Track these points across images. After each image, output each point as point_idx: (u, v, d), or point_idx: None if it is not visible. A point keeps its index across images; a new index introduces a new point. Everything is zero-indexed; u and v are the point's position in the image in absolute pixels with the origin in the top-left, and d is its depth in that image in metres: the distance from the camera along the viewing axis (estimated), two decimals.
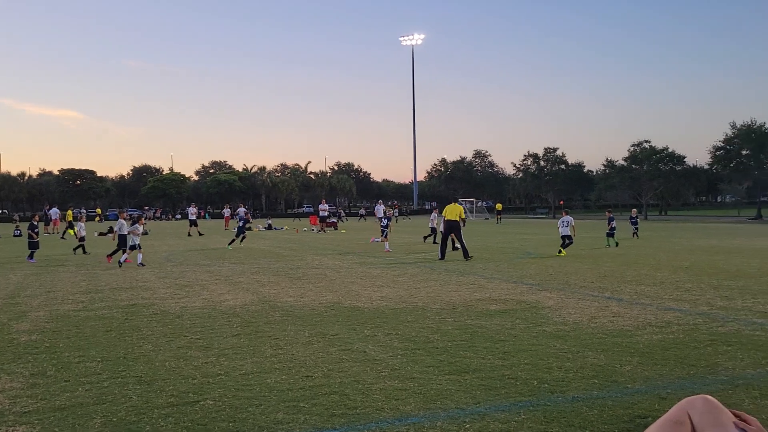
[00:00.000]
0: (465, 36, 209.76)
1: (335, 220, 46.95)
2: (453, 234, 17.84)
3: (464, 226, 17.87)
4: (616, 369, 5.67)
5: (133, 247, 16.79)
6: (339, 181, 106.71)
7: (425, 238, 25.23)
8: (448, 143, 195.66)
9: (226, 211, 45.75)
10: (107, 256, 17.98)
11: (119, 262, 16.59)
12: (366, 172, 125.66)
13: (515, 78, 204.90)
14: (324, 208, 39.50)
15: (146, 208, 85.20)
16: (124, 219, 18.91)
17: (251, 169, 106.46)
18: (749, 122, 50.87)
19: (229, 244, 23.72)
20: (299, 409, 4.63)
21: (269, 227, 42.47)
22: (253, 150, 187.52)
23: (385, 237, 22.03)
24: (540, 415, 4.44)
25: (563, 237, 19.05)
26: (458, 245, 18.19)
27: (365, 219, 61.32)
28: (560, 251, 18.53)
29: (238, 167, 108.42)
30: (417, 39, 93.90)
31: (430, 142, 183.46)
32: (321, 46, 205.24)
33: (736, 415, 2.54)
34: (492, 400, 4.79)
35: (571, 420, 4.34)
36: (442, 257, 17.48)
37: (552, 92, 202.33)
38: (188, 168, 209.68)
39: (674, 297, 9.99)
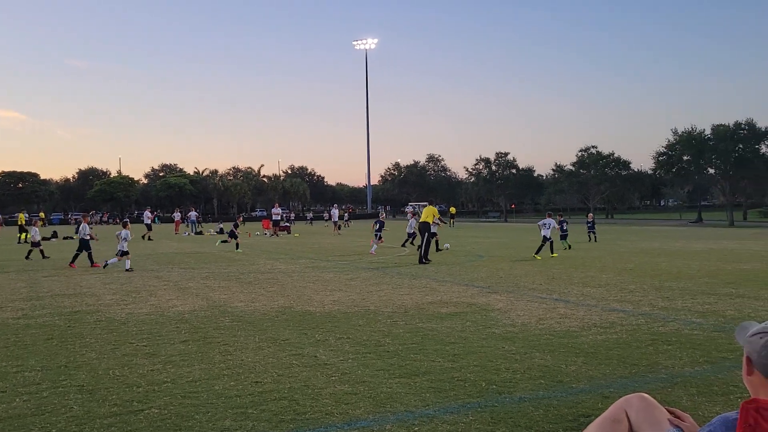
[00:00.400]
0: (418, 40, 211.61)
1: (288, 224, 46.55)
2: (420, 235, 18.05)
3: (440, 224, 18.14)
4: (562, 369, 5.80)
5: (124, 253, 16.65)
6: (292, 185, 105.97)
7: (403, 244, 24.99)
8: (402, 147, 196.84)
9: (177, 215, 44.84)
10: (70, 263, 17.61)
11: (106, 263, 16.88)
12: (320, 175, 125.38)
13: (468, 83, 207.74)
14: (277, 212, 39.16)
15: (93, 212, 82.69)
16: (88, 223, 18.77)
17: (203, 172, 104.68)
18: (690, 129, 52.84)
19: (237, 248, 23.69)
20: (247, 416, 4.57)
21: (221, 231, 41.80)
22: (205, 153, 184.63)
23: (379, 240, 22.26)
24: (487, 416, 4.51)
25: (545, 238, 19.33)
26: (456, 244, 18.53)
27: (311, 223, 60.42)
28: (537, 255, 18.78)
29: (190, 170, 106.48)
30: (370, 43, 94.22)
31: (384, 146, 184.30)
32: (274, 49, 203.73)
33: (671, 412, 2.63)
34: (441, 402, 4.83)
35: (517, 420, 4.41)
36: (423, 260, 17.34)
37: (503, 97, 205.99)
38: (137, 171, 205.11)
39: (618, 298, 10.28)
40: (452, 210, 59.89)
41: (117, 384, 5.47)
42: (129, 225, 17.88)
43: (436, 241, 21.12)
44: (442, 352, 6.50)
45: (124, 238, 16.79)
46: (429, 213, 18.36)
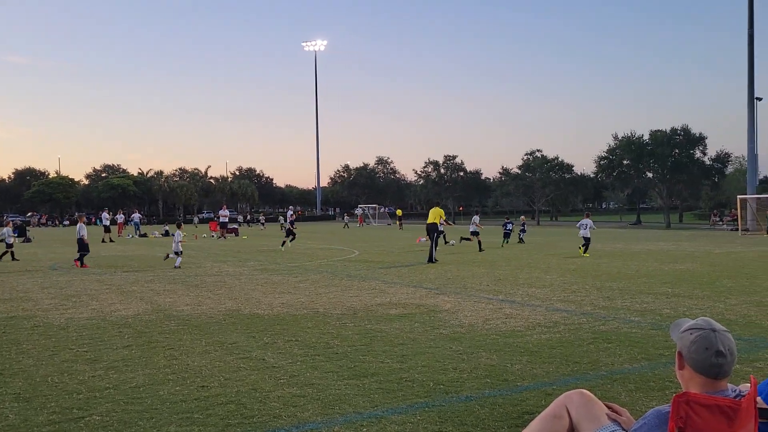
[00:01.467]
0: (368, 42, 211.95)
1: (236, 227, 45.90)
2: (429, 236, 18.75)
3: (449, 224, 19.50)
4: (507, 368, 5.92)
5: (177, 253, 17.61)
6: (240, 187, 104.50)
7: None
8: (352, 149, 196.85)
9: (120, 217, 43.56)
10: (75, 260, 18.04)
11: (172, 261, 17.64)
12: (269, 177, 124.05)
13: (417, 85, 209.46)
14: (225, 213, 38.56)
15: (31, 213, 79.52)
16: (84, 223, 19.16)
17: (147, 173, 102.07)
18: (629, 134, 54.73)
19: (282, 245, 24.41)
20: (193, 421, 4.50)
21: (166, 234, 40.87)
22: (150, 154, 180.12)
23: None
24: (435, 415, 4.57)
25: (585, 239, 20.72)
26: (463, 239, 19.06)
27: (264, 227, 58.62)
28: (583, 253, 20.17)
29: (133, 171, 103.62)
30: (320, 45, 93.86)
31: (334, 148, 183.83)
32: (222, 49, 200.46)
33: (609, 407, 2.74)
34: (389, 403, 4.87)
35: (464, 419, 4.49)
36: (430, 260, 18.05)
37: (452, 100, 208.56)
38: (78, 171, 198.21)
39: (562, 298, 10.57)
40: (399, 212, 60.31)
41: (56, 391, 5.29)
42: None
43: (444, 236, 21.91)
44: (391, 353, 6.55)
45: (178, 241, 17.83)
46: (436, 214, 18.92)
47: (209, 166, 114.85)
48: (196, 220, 70.00)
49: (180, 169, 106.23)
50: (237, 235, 40.38)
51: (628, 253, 21.55)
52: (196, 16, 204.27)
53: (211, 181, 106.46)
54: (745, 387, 2.45)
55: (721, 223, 51.91)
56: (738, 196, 40.73)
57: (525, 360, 6.23)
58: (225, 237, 37.03)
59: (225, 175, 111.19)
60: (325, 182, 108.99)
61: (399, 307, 9.72)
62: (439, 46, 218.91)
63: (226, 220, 38.71)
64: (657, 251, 22.15)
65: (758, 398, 2.75)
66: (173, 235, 18.19)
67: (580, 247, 20.97)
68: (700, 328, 2.24)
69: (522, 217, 32.87)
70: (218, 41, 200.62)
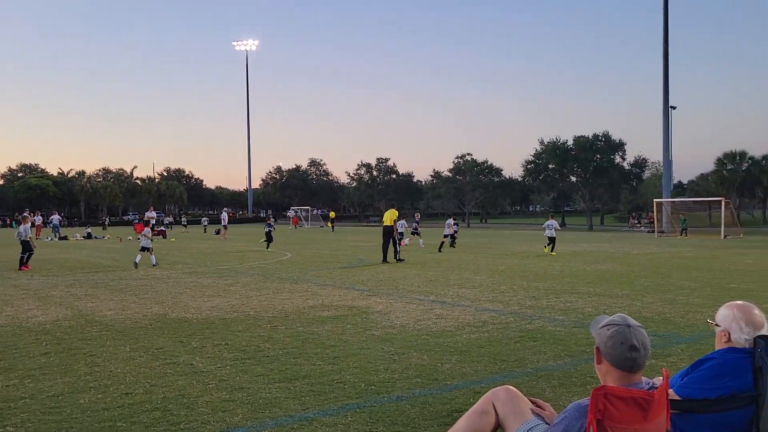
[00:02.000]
0: (300, 43, 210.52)
1: (164, 228, 44.55)
2: (384, 238, 19.27)
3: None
4: (438, 367, 6.02)
5: (145, 249, 18.12)
6: (168, 188, 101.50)
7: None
8: (285, 151, 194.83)
9: (38, 219, 41.43)
10: (21, 266, 17.50)
11: (134, 263, 17.83)
12: (198, 178, 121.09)
13: (349, 88, 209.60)
14: (152, 215, 37.37)
15: None
16: (27, 224, 19.12)
17: (68, 173, 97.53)
18: (555, 139, 56.73)
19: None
20: (116, 429, 4.34)
21: (89, 236, 39.21)
22: (71, 154, 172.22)
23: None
24: (366, 416, 4.59)
25: (549, 238, 22.61)
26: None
27: (205, 230, 55.95)
28: (550, 251, 22.14)
29: (53, 171, 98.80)
30: (251, 44, 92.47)
31: (266, 149, 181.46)
32: (150, 47, 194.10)
33: (533, 402, 2.84)
34: (320, 405, 4.86)
35: (394, 419, 4.53)
36: (384, 260, 18.76)
37: (385, 102, 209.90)
38: None
39: (491, 298, 10.83)
40: (332, 214, 60.19)
41: None
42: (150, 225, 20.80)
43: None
44: (323, 356, 6.53)
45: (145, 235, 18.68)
46: (391, 216, 19.40)
47: (135, 167, 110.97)
48: (106, 221, 66.29)
49: (103, 169, 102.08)
50: (165, 237, 39.21)
51: (554, 253, 22.29)
52: (121, 9, 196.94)
53: (137, 182, 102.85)
54: (659, 380, 2.60)
55: (639, 225, 54.49)
56: (654, 200, 42.93)
57: (455, 359, 6.35)
58: (152, 239, 35.85)
59: (152, 176, 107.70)
60: (256, 184, 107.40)
61: (331, 309, 9.70)
62: (371, 49, 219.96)
63: (153, 221, 37.49)
64: (580, 252, 23.04)
65: (670, 390, 2.92)
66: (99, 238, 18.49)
67: (545, 246, 22.79)
68: (616, 324, 2.36)
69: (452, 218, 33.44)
70: (145, 37, 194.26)
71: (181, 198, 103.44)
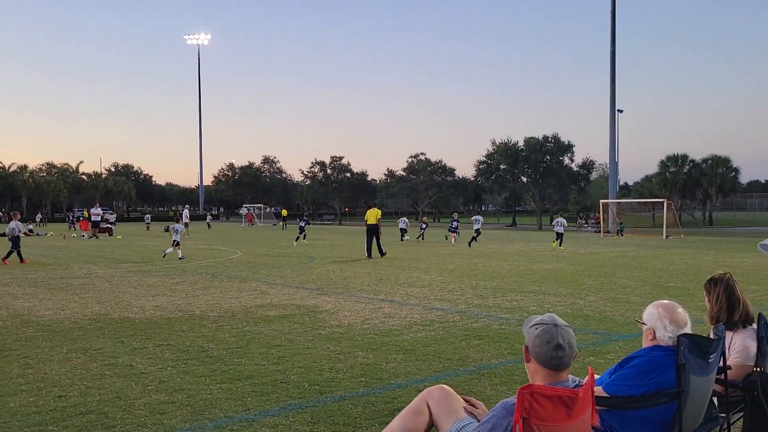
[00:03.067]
0: (253, 38, 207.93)
1: (110, 226, 43.31)
2: (368, 236, 20.47)
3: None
4: (383, 366, 6.04)
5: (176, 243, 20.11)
6: (116, 184, 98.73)
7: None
8: (238, 147, 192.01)
9: None
10: (2, 259, 18.05)
11: (164, 253, 20.34)
12: (147, 174, 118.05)
13: (303, 84, 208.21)
14: (97, 212, 36.28)
15: None
16: (18, 221, 19.62)
17: (9, 167, 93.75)
18: (506, 140, 57.63)
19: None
20: None
21: (31, 231, 37.78)
22: (13, 148, 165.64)
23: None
24: (308, 416, 4.57)
25: (557, 234, 26.15)
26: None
27: (148, 227, 54.23)
28: (558, 245, 25.50)
29: None
30: (203, 38, 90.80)
31: (219, 145, 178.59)
32: (97, 39, 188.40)
33: (466, 401, 2.88)
34: (262, 406, 4.81)
35: (336, 419, 4.53)
36: (369, 256, 19.97)
37: (338, 100, 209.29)
38: None
39: (439, 297, 10.93)
40: (284, 212, 59.70)
41: None
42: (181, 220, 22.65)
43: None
44: (267, 355, 6.47)
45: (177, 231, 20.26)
46: (374, 215, 20.66)
47: (81, 162, 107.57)
48: (38, 218, 63.15)
49: (47, 163, 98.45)
50: (111, 234, 38.16)
51: (503, 253, 22.67)
52: (68, 5, 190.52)
53: (83, 177, 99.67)
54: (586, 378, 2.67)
55: (586, 225, 55.86)
56: (601, 201, 44.07)
57: (400, 358, 6.38)
58: (97, 237, 34.87)
59: (99, 172, 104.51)
60: (208, 181, 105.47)
61: (279, 309, 9.61)
62: (326, 46, 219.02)
63: (99, 218, 36.43)
64: (529, 251, 23.47)
65: (599, 387, 3.00)
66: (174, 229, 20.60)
67: (554, 241, 26.33)
68: (545, 323, 2.41)
69: (402, 219, 35.72)
70: (92, 29, 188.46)
71: (129, 194, 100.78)
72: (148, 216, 58.42)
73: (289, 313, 9.17)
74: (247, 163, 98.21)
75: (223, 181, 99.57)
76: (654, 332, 2.97)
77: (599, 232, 42.86)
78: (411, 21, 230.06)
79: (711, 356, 2.97)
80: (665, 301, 3.05)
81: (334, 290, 11.88)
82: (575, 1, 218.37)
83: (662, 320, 2.94)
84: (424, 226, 34.96)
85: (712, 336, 3.36)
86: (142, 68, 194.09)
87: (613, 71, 46.73)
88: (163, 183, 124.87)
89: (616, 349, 6.81)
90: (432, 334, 7.63)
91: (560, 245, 25.70)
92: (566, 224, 27.58)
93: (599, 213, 44.37)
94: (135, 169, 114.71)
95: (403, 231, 33.95)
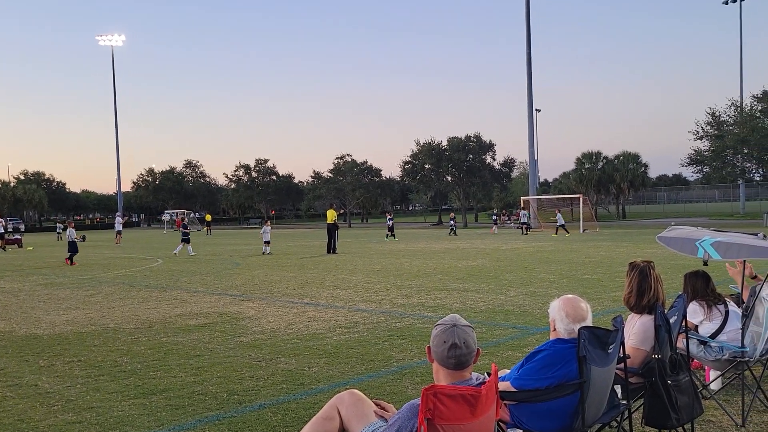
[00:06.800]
0: (173, 41, 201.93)
1: (19, 237, 40.90)
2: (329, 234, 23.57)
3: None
4: (305, 372, 5.98)
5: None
6: (26, 192, 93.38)
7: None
8: (159, 152, 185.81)
9: None
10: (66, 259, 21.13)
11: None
12: (60, 181, 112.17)
13: (226, 88, 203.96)
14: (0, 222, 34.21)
15: None
16: (73, 227, 22.42)
17: None
18: (430, 140, 58.42)
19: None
20: None
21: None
22: None
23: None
24: (224, 427, 4.46)
25: (563, 225, 32.96)
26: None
27: (59, 237, 50.85)
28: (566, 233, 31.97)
29: None
30: (117, 39, 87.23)
31: (138, 150, 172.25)
32: (3, 38, 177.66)
33: (377, 404, 2.89)
34: (177, 420, 4.65)
35: (254, 427, 4.44)
36: (328, 252, 22.90)
37: (262, 103, 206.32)
38: None
39: (364, 298, 10.94)
40: (207, 217, 58.34)
41: None
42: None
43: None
44: (186, 367, 6.28)
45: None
46: (330, 215, 24.33)
47: None
48: None
49: None
50: (20, 246, 36.08)
51: (429, 251, 22.97)
52: None
53: None
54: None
55: (509, 221, 57.43)
56: (522, 198, 45.42)
57: (323, 362, 6.34)
58: (5, 249, 32.89)
59: (6, 180, 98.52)
60: (127, 187, 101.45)
61: (200, 317, 9.36)
62: (246, 49, 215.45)
63: (2, 230, 34.34)
64: (453, 249, 23.89)
65: (506, 382, 3.08)
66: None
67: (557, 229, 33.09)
68: (444, 324, 2.45)
69: (388, 215, 38.07)
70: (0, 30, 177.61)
71: (41, 203, 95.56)
72: (60, 225, 55.20)
73: (211, 322, 8.94)
74: (168, 168, 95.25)
75: (143, 187, 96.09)
76: (555, 324, 3.08)
77: (521, 228, 44.18)
78: (332, 22, 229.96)
79: (610, 347, 3.10)
80: (568, 296, 3.16)
81: (258, 296, 11.69)
82: (492, 4, 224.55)
83: (561, 313, 3.04)
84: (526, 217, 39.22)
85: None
86: (54, 71, 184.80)
87: (530, 72, 48.31)
88: (78, 190, 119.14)
89: (534, 342, 7.01)
90: (356, 336, 7.62)
91: (567, 232, 33.12)
92: (563, 220, 34.03)
93: (520, 209, 45.69)
94: (47, 176, 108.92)
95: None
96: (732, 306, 4.89)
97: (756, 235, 4.62)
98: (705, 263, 4.60)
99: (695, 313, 4.87)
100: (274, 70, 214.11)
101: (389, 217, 36.43)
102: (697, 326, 4.84)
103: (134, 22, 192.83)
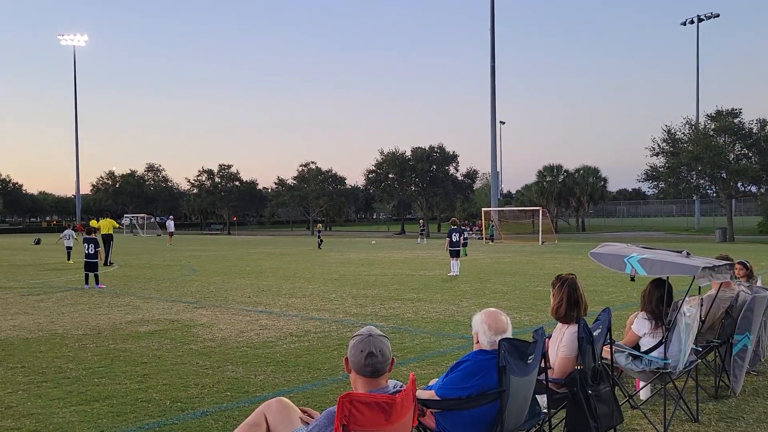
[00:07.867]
0: (136, 43, 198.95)
1: None
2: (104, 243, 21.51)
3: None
4: (251, 380, 6.05)
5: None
6: None
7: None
8: (119, 155, 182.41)
9: None
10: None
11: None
12: (16, 183, 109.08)
13: (188, 91, 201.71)
14: None
15: None
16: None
17: None
18: (394, 150, 58.86)
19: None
20: None
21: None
22: None
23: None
24: None
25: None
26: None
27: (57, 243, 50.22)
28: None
29: None
30: (79, 39, 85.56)
31: (98, 153, 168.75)
32: None
33: (303, 411, 3.01)
34: (117, 426, 4.68)
35: None
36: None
37: (224, 108, 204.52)
38: None
39: (318, 307, 11.02)
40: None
41: None
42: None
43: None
44: (131, 374, 6.28)
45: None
46: (107, 224, 22.73)
47: None
48: None
49: None
50: None
51: (388, 261, 23.13)
52: None
53: None
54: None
55: (471, 232, 58.11)
56: (483, 209, 46.04)
57: (270, 370, 6.41)
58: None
59: None
60: (86, 189, 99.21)
61: (151, 324, 9.31)
62: (209, 52, 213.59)
63: None
64: (413, 259, 24.10)
65: (431, 391, 3.23)
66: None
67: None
68: (361, 334, 2.59)
69: (318, 225, 37.26)
70: None
71: None
72: (73, 233, 53.81)
73: (161, 329, 8.91)
74: (129, 171, 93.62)
75: (102, 190, 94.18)
76: (477, 336, 3.25)
77: (482, 238, 44.74)
78: (298, 27, 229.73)
79: (530, 357, 3.28)
80: (490, 309, 3.33)
81: (212, 303, 11.66)
82: (457, 16, 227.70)
83: (483, 326, 3.22)
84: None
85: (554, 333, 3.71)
86: (10, 70, 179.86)
87: (493, 85, 49.08)
88: (35, 191, 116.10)
89: None
90: (305, 345, 7.71)
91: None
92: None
93: (482, 220, 46.30)
94: (3, 176, 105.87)
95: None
96: (680, 324, 4.80)
97: (680, 252, 4.87)
98: (632, 279, 4.83)
99: (642, 326, 4.91)
100: (238, 76, 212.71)
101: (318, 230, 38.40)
102: (640, 338, 4.96)
103: (97, 22, 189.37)
